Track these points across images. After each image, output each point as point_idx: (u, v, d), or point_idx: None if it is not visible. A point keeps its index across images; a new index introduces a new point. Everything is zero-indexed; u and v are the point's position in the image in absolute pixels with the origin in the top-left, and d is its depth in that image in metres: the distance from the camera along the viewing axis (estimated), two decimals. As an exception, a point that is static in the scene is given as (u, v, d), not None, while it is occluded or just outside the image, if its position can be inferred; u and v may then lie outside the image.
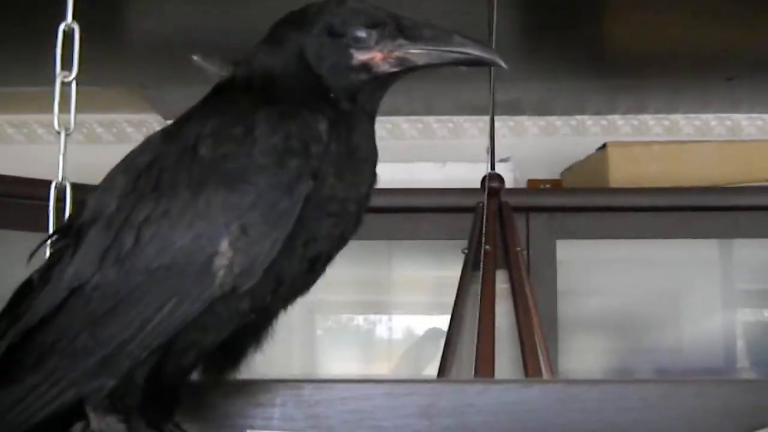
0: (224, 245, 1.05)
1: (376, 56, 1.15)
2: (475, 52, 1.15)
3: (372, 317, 3.52)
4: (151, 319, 1.05)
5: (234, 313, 1.08)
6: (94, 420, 1.08)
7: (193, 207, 1.05)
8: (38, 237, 1.25)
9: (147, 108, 3.74)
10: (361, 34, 1.14)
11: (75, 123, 1.49)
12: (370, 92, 1.16)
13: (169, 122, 4.03)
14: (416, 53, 1.15)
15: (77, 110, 1.50)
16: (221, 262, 1.05)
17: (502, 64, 1.15)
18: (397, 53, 1.15)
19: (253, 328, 1.14)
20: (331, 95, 1.14)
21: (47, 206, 1.48)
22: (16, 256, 1.31)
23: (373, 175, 1.17)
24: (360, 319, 3.54)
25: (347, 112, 1.14)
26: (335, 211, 1.11)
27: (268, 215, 1.05)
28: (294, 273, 1.11)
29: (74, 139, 1.54)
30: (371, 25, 1.14)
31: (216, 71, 1.18)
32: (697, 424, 1.26)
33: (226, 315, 1.08)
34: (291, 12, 1.19)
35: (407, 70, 1.16)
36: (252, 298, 1.08)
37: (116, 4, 2.86)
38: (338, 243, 1.14)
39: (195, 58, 1.17)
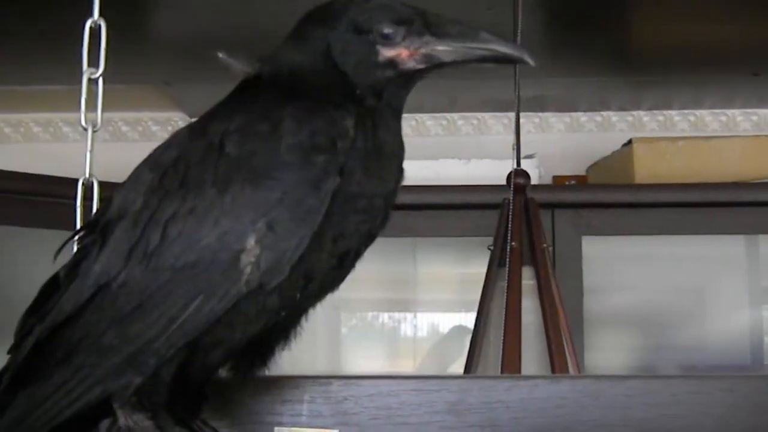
0: (251, 242, 1.04)
1: (402, 53, 1.14)
2: (503, 48, 1.14)
3: (397, 315, 3.52)
4: (177, 317, 1.05)
5: (262, 310, 1.07)
6: (122, 417, 1.08)
7: (220, 204, 1.05)
8: (65, 235, 1.26)
9: (172, 106, 3.75)
10: (388, 30, 1.14)
11: (97, 121, 1.50)
12: (396, 89, 1.16)
13: (195, 120, 4.02)
14: (443, 50, 1.14)
15: (103, 108, 1.50)
16: (248, 259, 1.04)
17: (530, 60, 1.14)
18: (423, 50, 1.14)
19: (282, 326, 1.14)
20: (357, 92, 1.13)
21: (74, 204, 1.48)
22: (43, 254, 1.31)
23: (400, 171, 1.16)
24: (385, 317, 3.54)
25: (373, 108, 1.13)
26: (363, 208, 1.11)
27: (294, 212, 1.05)
28: (323, 270, 1.10)
29: (99, 137, 1.54)
30: (398, 22, 1.14)
31: (242, 68, 1.17)
32: (725, 420, 1.25)
33: (254, 313, 1.07)
34: (316, 7, 1.18)
35: (434, 67, 1.15)
36: (281, 295, 1.07)
37: (141, 2, 2.87)
38: (366, 239, 1.14)
39: (220, 55, 1.17)
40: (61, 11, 2.85)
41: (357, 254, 1.14)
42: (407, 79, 1.16)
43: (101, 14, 1.42)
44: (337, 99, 1.10)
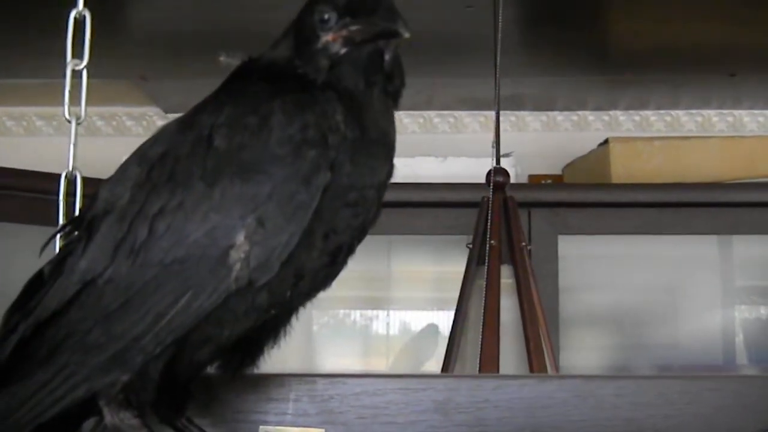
0: (240, 238, 1.03)
1: (330, 37, 1.12)
2: (387, 25, 1.11)
3: (369, 313, 3.51)
4: (164, 314, 1.03)
5: (251, 308, 1.06)
6: (108, 415, 1.06)
7: (208, 199, 1.03)
8: (47, 230, 1.24)
9: (147, 101, 3.73)
10: (325, 16, 1.12)
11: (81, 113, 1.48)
12: (340, 75, 1.12)
13: (170, 116, 4.03)
14: (354, 30, 1.12)
15: (79, 102, 1.48)
16: (237, 255, 1.03)
17: (404, 32, 1.10)
18: (344, 33, 1.12)
19: (272, 324, 1.13)
20: (310, 78, 1.11)
21: (55, 199, 1.46)
22: (25, 250, 1.29)
23: (390, 158, 1.15)
24: (357, 315, 3.53)
25: (356, 93, 1.11)
26: (354, 201, 1.09)
27: (285, 207, 1.03)
28: (314, 267, 1.09)
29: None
30: (334, 7, 1.12)
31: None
32: (712, 419, 1.25)
33: (242, 310, 1.05)
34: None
35: (355, 48, 1.12)
36: (270, 293, 1.06)
37: (117, -4, 2.85)
38: (359, 234, 1.13)
39: (222, 58, 1.16)
40: (36, 3, 2.82)
41: (350, 250, 1.13)
42: (345, 63, 1.12)
43: (85, 4, 1.39)
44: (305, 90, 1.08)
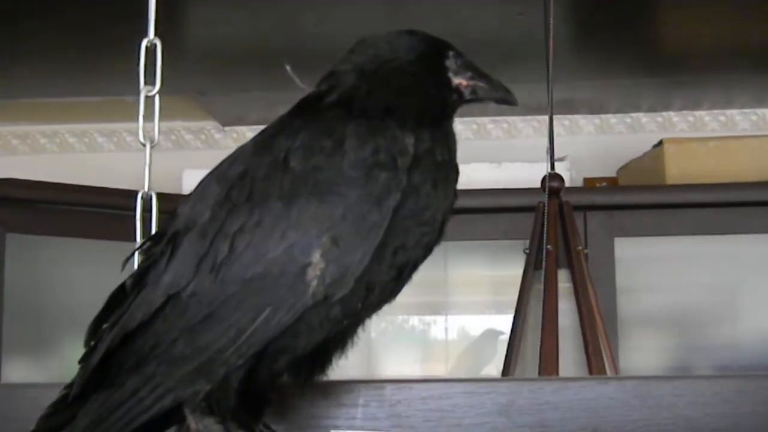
0: (316, 256, 1.08)
1: (462, 82, 1.22)
2: (503, 94, 1.24)
3: (428, 318, 3.53)
4: (246, 328, 1.08)
5: (325, 320, 1.11)
6: (192, 422, 1.11)
7: (286, 218, 1.08)
8: (116, 245, 1.28)
9: (205, 115, 3.79)
10: (454, 62, 1.22)
11: (145, 132, 1.54)
12: (453, 114, 1.23)
13: (227, 129, 4.04)
14: (481, 87, 1.23)
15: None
16: (314, 272, 1.08)
17: (515, 102, 1.24)
18: (472, 83, 1.22)
19: (340, 334, 1.18)
20: (432, 113, 1.18)
21: (125, 214, 1.51)
22: (96, 263, 1.34)
23: (456, 185, 1.21)
24: (415, 320, 3.55)
25: (445, 124, 1.20)
26: (427, 220, 1.14)
27: (358, 227, 1.08)
28: (383, 280, 1.13)
29: (134, 146, 1.58)
30: (456, 55, 1.22)
31: (300, 84, 1.22)
32: (769, 418, 1.27)
33: (318, 322, 1.10)
34: (378, 35, 1.23)
35: (473, 100, 1.24)
36: (343, 306, 1.11)
37: (174, 12, 2.90)
38: (425, 251, 1.17)
39: (288, 67, 1.22)
40: (95, 25, 2.89)
41: (415, 266, 1.17)
42: (459, 106, 1.24)
43: (156, 33, 1.45)
44: (408, 118, 1.14)
